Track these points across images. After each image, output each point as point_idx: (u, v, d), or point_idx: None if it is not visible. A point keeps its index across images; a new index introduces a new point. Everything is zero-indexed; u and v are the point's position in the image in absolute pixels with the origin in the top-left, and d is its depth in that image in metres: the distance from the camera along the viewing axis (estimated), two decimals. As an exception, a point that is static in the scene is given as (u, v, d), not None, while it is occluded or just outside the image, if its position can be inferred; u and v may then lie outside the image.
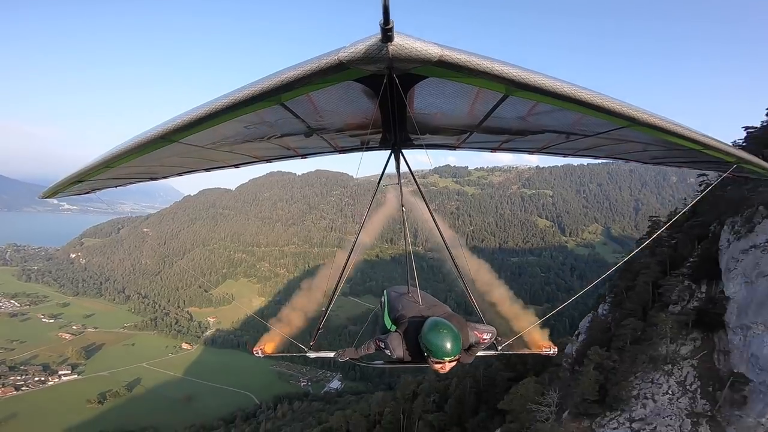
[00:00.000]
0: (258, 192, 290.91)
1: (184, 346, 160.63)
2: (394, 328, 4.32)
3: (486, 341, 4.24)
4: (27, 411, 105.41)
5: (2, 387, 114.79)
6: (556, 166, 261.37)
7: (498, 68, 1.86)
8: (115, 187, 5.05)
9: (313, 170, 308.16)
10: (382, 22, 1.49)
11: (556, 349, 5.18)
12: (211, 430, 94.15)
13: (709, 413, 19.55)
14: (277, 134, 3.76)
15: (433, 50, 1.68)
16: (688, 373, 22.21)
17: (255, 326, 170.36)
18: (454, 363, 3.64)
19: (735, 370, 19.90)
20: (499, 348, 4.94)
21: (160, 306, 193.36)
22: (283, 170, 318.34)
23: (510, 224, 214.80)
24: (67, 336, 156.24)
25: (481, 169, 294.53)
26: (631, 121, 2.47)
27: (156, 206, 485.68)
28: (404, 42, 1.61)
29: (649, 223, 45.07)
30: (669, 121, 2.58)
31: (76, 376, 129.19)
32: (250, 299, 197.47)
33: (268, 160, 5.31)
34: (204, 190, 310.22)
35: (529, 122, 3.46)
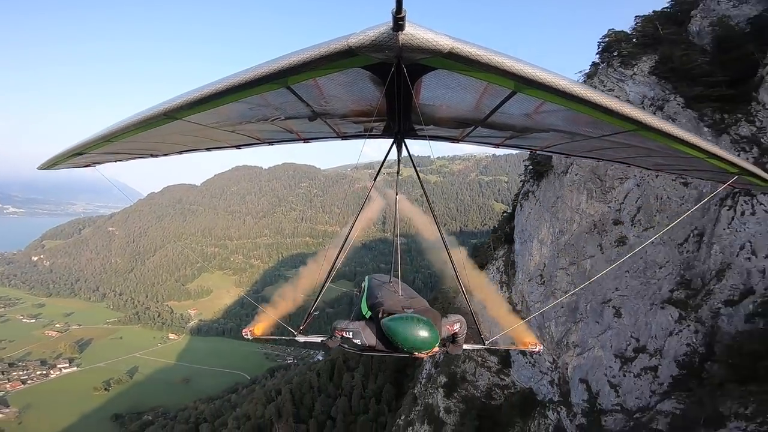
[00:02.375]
0: (225, 186, 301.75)
1: (171, 336, 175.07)
2: (369, 314, 4.55)
3: (457, 330, 4.51)
4: (40, 401, 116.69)
5: (9, 382, 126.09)
6: (511, 155, 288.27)
7: (508, 64, 1.90)
8: (115, 161, 5.14)
9: (280, 163, 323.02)
10: (394, 10, 1.51)
11: (542, 347, 5.46)
12: (218, 399, 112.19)
13: (506, 282, 42.34)
14: (281, 117, 3.88)
15: (444, 42, 1.71)
16: (501, 263, 45.65)
17: (237, 314, 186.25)
18: (433, 351, 3.89)
19: (514, 259, 43.06)
20: (487, 343, 5.19)
21: (138, 302, 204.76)
22: (249, 164, 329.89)
23: (469, 209, 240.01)
24: (54, 333, 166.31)
25: (443, 158, 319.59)
26: (639, 126, 2.56)
27: (110, 206, 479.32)
28: (415, 32, 1.64)
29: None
30: (677, 128, 2.72)
31: (75, 368, 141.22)
32: (227, 290, 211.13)
33: (270, 143, 5.38)
34: (169, 186, 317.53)
35: (535, 120, 3.61)
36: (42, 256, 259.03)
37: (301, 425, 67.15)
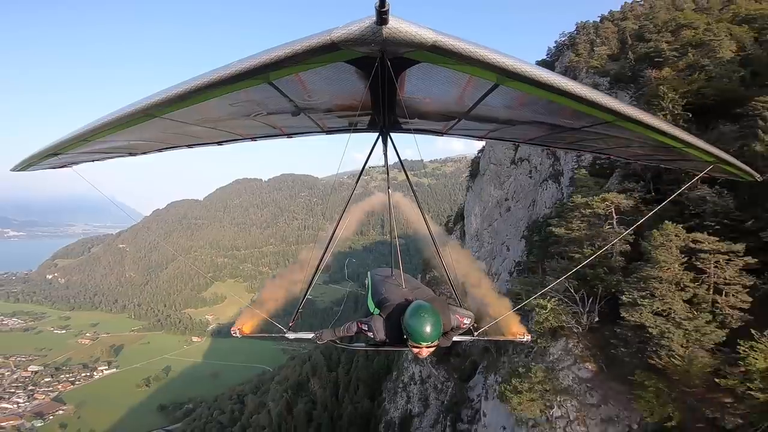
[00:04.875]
0: (227, 199, 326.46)
1: (194, 339, 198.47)
2: (377, 311, 4.64)
3: (466, 325, 4.54)
4: (91, 399, 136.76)
5: (60, 383, 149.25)
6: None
7: (491, 56, 1.97)
8: (92, 161, 5.19)
9: (278, 174, 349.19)
10: (378, 4, 1.56)
11: (530, 337, 5.67)
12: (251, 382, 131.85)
13: (461, 245, 68.35)
14: (264, 113, 3.97)
15: (427, 35, 1.77)
16: (459, 232, 71.07)
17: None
18: (432, 348, 3.87)
19: (464, 229, 69.64)
20: (475, 333, 5.32)
21: (158, 310, 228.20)
22: (249, 177, 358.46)
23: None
24: (86, 341, 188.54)
25: (435, 161, 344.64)
26: (618, 116, 2.71)
27: (108, 225, 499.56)
28: (399, 25, 1.69)
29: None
30: (655, 118, 2.89)
31: (114, 369, 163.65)
32: (240, 296, 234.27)
33: (253, 138, 5.46)
34: (173, 202, 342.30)
35: (518, 112, 3.79)
36: (56, 274, 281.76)
37: (332, 373, 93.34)
